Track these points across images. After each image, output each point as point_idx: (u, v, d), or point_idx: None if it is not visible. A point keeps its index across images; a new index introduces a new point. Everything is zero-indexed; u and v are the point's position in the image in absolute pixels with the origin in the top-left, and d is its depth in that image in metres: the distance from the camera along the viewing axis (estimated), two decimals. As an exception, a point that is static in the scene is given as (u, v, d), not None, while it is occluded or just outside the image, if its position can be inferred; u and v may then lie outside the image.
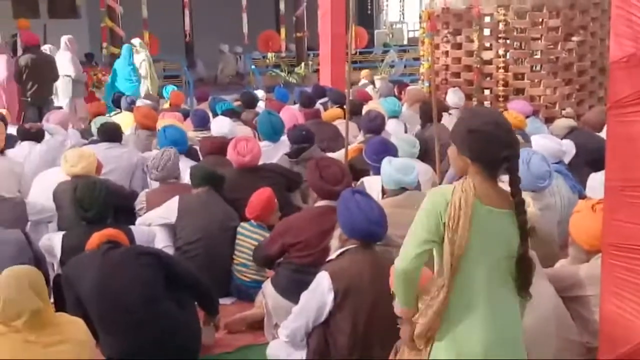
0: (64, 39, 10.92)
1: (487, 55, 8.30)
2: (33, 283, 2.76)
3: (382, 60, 16.51)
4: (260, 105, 9.27)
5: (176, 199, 4.77)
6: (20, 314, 2.69)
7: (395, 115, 7.47)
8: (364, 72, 12.77)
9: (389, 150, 4.93)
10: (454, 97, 7.88)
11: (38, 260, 3.90)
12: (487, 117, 2.49)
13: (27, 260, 3.77)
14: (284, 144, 6.25)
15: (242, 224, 4.71)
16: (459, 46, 8.54)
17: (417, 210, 2.55)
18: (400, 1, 15.06)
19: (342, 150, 5.87)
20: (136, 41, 11.61)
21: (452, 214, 2.35)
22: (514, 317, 2.47)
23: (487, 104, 8.37)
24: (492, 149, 2.39)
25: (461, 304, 2.40)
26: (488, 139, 2.39)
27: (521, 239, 2.43)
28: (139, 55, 11.38)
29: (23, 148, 6.14)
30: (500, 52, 8.16)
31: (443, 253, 2.40)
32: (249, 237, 4.65)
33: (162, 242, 4.63)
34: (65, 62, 10.59)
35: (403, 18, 15.81)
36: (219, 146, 5.68)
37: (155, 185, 5.36)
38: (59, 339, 2.73)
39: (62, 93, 10.59)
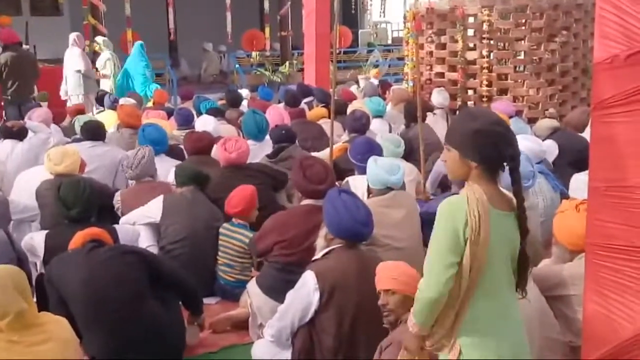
0: (72, 35, 10.96)
1: (471, 55, 8.34)
2: (16, 283, 2.73)
3: (367, 60, 16.53)
4: (244, 104, 9.25)
5: (160, 198, 4.75)
6: (4, 315, 2.66)
7: (379, 114, 7.49)
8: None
9: (374, 149, 4.94)
10: (438, 97, 7.91)
11: (20, 260, 3.88)
12: (489, 116, 2.43)
13: (9, 260, 3.75)
14: (269, 144, 6.24)
15: (224, 224, 4.70)
16: (443, 46, 8.57)
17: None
18: (382, 1, 15.05)
19: (327, 150, 5.87)
20: (99, 39, 11.47)
21: (473, 226, 2.28)
22: (520, 315, 2.50)
23: (470, 104, 8.40)
24: (499, 148, 2.35)
25: (485, 310, 2.36)
26: (496, 139, 2.34)
27: (522, 238, 2.43)
28: (103, 54, 11.22)
29: (5, 146, 6.09)
30: (484, 52, 8.19)
31: (462, 270, 2.31)
32: (231, 237, 4.64)
33: (146, 242, 4.61)
34: (75, 58, 10.63)
35: (384, 16, 15.81)
36: (204, 145, 5.66)
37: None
38: (42, 339, 2.71)
39: (73, 88, 10.56)
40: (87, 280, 3.33)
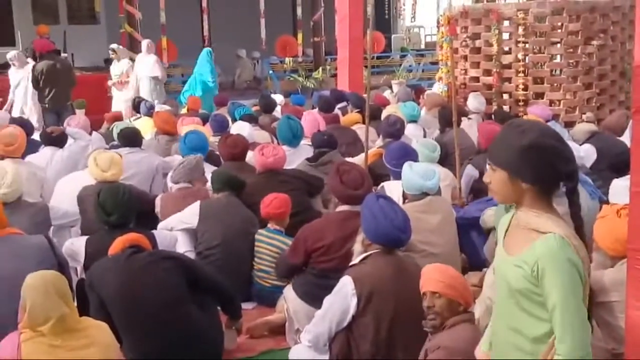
0: (145, 42, 11.24)
1: (506, 59, 8.28)
2: (58, 288, 2.79)
3: (400, 65, 16.50)
4: (278, 110, 9.28)
5: (197, 203, 4.80)
6: (46, 320, 2.71)
7: (414, 119, 7.47)
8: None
9: (410, 154, 4.93)
10: (474, 101, 7.86)
11: (61, 265, 3.92)
12: (539, 128, 2.15)
13: (50, 266, 3.79)
14: (304, 149, 6.27)
15: (260, 230, 4.72)
16: (477, 50, 8.52)
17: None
18: (413, 5, 15.01)
19: (362, 155, 5.88)
20: (115, 46, 11.59)
21: (586, 265, 2.10)
22: None
23: (506, 108, 8.33)
24: (556, 165, 2.10)
25: None
26: (552, 154, 2.09)
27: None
28: (122, 62, 11.23)
29: (45, 153, 6.19)
30: (520, 55, 8.13)
31: None
32: (267, 243, 4.67)
33: (183, 247, 4.66)
34: (151, 64, 10.90)
35: (414, 21, 15.75)
36: (239, 151, 5.68)
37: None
38: (84, 343, 2.75)
39: (148, 94, 10.75)
40: (127, 285, 3.38)
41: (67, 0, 17.75)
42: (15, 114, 9.91)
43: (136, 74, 11.00)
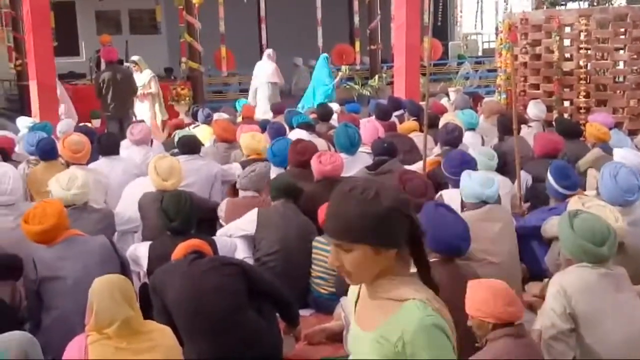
0: (268, 51, 12.26)
1: (567, 66, 8.15)
2: (124, 292, 2.86)
3: (457, 72, 16.36)
4: (334, 118, 9.31)
5: (255, 211, 4.84)
6: (111, 322, 2.78)
7: (472, 127, 7.40)
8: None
9: (468, 163, 4.89)
10: (534, 109, 7.74)
11: (124, 266, 4.03)
12: (385, 187, 1.92)
13: (113, 265, 3.91)
14: (361, 157, 6.27)
15: (317, 238, 4.74)
16: (538, 57, 8.42)
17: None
18: (477, 11, 14.86)
19: (419, 163, 5.84)
20: (136, 58, 11.78)
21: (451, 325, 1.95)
22: None
23: (567, 116, 8.19)
24: (414, 221, 1.93)
25: None
26: (409, 211, 1.92)
27: None
28: (145, 72, 11.39)
29: (102, 162, 6.32)
30: (582, 62, 8.00)
31: None
32: (324, 250, 4.68)
33: (242, 253, 4.71)
34: (270, 71, 11.84)
35: (481, 28, 15.62)
36: (307, 159, 5.67)
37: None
38: (148, 346, 2.81)
39: (265, 99, 11.46)
40: (189, 290, 3.43)
41: (129, 11, 18.21)
42: None
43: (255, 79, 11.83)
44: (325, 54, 12.24)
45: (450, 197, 4.78)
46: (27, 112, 10.77)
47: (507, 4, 12.38)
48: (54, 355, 3.53)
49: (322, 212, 4.69)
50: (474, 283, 3.04)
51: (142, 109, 10.92)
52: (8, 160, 6.10)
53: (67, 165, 5.98)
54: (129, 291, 2.92)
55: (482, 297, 2.95)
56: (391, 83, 13.56)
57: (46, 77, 10.05)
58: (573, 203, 4.21)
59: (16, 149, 7.26)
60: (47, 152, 6.05)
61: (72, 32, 16.43)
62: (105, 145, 6.36)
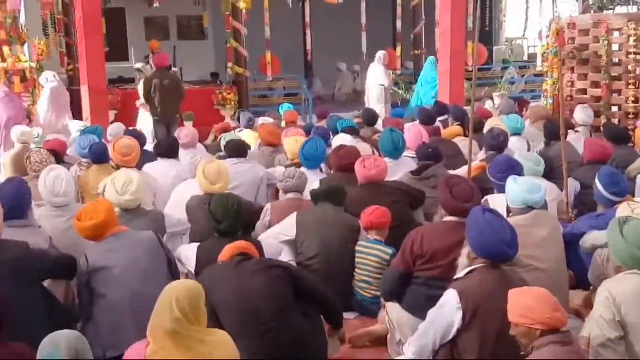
0: (379, 54, 12.65)
1: (615, 70, 8.03)
2: (187, 299, 2.84)
3: (501, 77, 16.20)
4: (379, 123, 9.32)
5: (294, 215, 4.88)
6: (163, 329, 2.79)
7: (517, 132, 7.33)
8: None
9: (515, 168, 4.86)
10: (582, 114, 7.64)
11: (170, 262, 4.12)
12: None
13: (160, 258, 4.03)
14: (405, 161, 6.27)
15: (360, 242, 4.77)
16: (585, 62, 8.31)
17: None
18: (525, 15, 14.69)
19: (464, 168, 5.83)
20: (140, 65, 11.84)
21: None
22: None
23: (615, 121, 8.06)
24: None
25: None
26: None
27: None
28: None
29: (159, 164, 6.48)
30: (630, 67, 7.86)
31: None
32: (368, 254, 4.70)
33: (287, 256, 4.76)
34: (380, 73, 12.25)
35: (525, 31, 15.43)
36: (348, 163, 5.69)
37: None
38: (209, 351, 2.83)
39: (376, 100, 11.84)
40: (236, 292, 3.49)
41: (177, 17, 18.50)
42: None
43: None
44: (433, 57, 12.56)
45: (496, 202, 4.76)
46: (78, 116, 11.04)
47: (555, 8, 12.23)
48: (103, 346, 3.64)
49: (366, 215, 4.72)
50: (515, 291, 3.02)
51: (144, 118, 10.99)
52: (61, 163, 6.27)
53: (117, 168, 6.13)
54: (193, 300, 2.86)
55: (526, 303, 2.93)
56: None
57: (97, 81, 10.28)
58: (622, 210, 4.16)
59: (68, 151, 7.46)
60: (99, 155, 6.21)
61: (122, 37, 16.76)
62: (164, 147, 6.50)
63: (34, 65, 10.95)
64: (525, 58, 20.40)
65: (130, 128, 8.79)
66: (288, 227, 4.85)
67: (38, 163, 5.87)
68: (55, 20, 13.96)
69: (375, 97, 12.01)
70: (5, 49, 11.18)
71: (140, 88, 10.97)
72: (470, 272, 3.31)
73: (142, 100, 10.76)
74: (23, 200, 4.37)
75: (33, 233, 4.32)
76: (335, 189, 4.99)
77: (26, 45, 12.16)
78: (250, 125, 8.97)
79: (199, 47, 17.75)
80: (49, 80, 10.27)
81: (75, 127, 8.70)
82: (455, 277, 3.37)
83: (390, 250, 4.59)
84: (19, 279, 3.63)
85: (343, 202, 4.96)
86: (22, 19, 12.53)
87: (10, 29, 11.59)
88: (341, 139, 7.23)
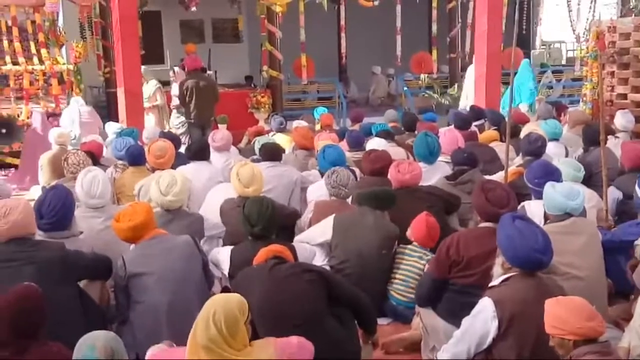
0: None
1: (657, 75, 7.87)
2: (225, 316, 2.80)
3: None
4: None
5: (331, 218, 4.86)
6: (201, 343, 2.77)
7: (555, 137, 7.21)
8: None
9: (553, 174, 4.77)
10: (622, 119, 7.49)
11: (205, 265, 4.13)
12: None
13: (196, 262, 4.02)
14: (440, 166, 6.22)
15: (403, 246, 4.73)
16: (626, 66, 8.16)
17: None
18: (569, 18, 14.43)
19: (500, 173, 5.75)
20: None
21: None
22: None
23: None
24: None
25: None
26: None
27: None
28: (150, 83, 11.47)
29: (192, 166, 6.51)
30: (673, 72, 7.70)
31: None
32: (409, 255, 4.69)
33: (319, 260, 4.74)
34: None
35: (573, 33, 15.22)
36: (380, 167, 5.70)
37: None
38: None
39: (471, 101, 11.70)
40: (270, 295, 3.48)
41: (212, 20, 18.64)
42: None
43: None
44: (527, 59, 12.43)
45: (532, 208, 4.69)
46: (114, 118, 11.18)
47: (594, 11, 12.03)
48: (139, 350, 3.66)
49: (417, 224, 4.67)
50: (550, 301, 2.96)
51: (148, 122, 11.04)
52: (97, 165, 6.34)
53: (153, 170, 6.18)
54: (231, 317, 2.80)
55: (557, 314, 2.87)
56: (471, 92, 13.39)
57: (133, 84, 10.38)
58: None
59: (104, 153, 7.55)
60: (135, 157, 6.28)
61: (157, 40, 16.93)
62: (196, 150, 6.54)
63: (71, 67, 11.11)
64: (564, 62, 20.15)
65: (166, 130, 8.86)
66: (325, 229, 4.84)
67: (75, 165, 5.94)
68: (92, 23, 14.17)
69: (471, 98, 11.81)
70: (43, 51, 11.37)
71: (175, 90, 11.08)
72: (506, 279, 3.26)
73: (147, 104, 10.87)
74: (68, 212, 4.31)
75: (75, 244, 4.21)
76: (380, 193, 4.92)
77: (64, 48, 12.35)
78: (281, 129, 8.98)
79: (233, 50, 17.85)
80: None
81: (111, 129, 8.80)
82: (490, 285, 3.32)
83: (430, 255, 4.57)
84: (55, 279, 3.67)
85: (388, 207, 4.88)
86: (60, 22, 12.75)
87: (48, 31, 11.79)
88: (376, 143, 7.19)
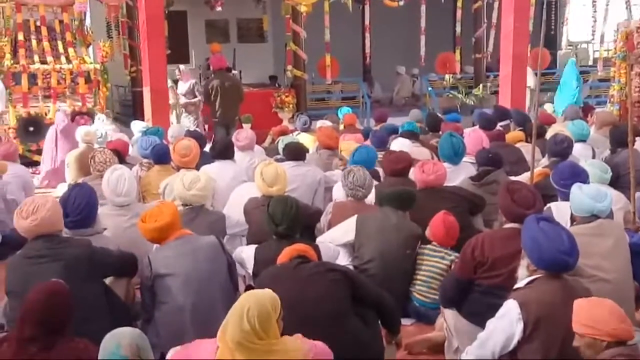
0: None
1: (687, 75, 7.75)
2: (257, 314, 2.82)
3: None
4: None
5: (354, 218, 4.85)
6: (232, 339, 2.78)
7: (582, 139, 7.14)
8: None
9: (580, 175, 4.73)
10: (650, 120, 7.40)
11: (230, 265, 4.14)
12: None
13: (221, 263, 4.03)
14: (465, 166, 6.19)
15: (423, 246, 4.71)
16: (654, 67, 8.04)
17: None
18: (592, 18, 14.28)
19: (526, 174, 5.70)
20: (182, 66, 11.89)
21: None
22: None
23: (685, 128, 7.76)
24: None
25: None
26: None
27: None
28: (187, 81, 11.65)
29: (216, 165, 6.55)
30: (703, 72, 7.57)
31: None
32: (431, 256, 4.67)
33: (343, 260, 4.74)
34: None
35: (594, 35, 15.04)
36: (401, 168, 5.69)
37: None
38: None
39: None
40: (294, 294, 3.46)
41: (237, 20, 18.71)
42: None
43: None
44: (574, 59, 12.68)
45: (559, 209, 4.65)
46: (139, 117, 11.27)
47: (625, 12, 11.93)
48: (163, 349, 3.68)
49: (435, 223, 4.66)
50: (581, 301, 2.94)
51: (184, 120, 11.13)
52: (123, 163, 6.40)
53: (178, 169, 6.23)
54: (264, 313, 2.83)
55: (593, 314, 2.85)
56: (496, 92, 13.30)
57: (159, 83, 10.48)
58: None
59: (130, 151, 7.62)
60: (160, 156, 6.33)
61: (183, 40, 17.03)
62: (220, 149, 6.57)
63: (98, 66, 11.23)
64: (590, 62, 19.93)
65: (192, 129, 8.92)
66: (347, 230, 4.83)
67: (102, 163, 6.00)
68: (119, 22, 14.30)
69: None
70: (71, 50, 11.51)
71: (181, 89, 11.18)
72: (531, 281, 3.23)
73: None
74: (92, 210, 4.39)
75: (101, 241, 4.30)
76: (402, 193, 4.91)
77: (91, 47, 12.49)
78: (305, 128, 9.00)
79: (258, 50, 17.90)
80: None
81: (137, 127, 8.87)
82: (515, 287, 3.29)
83: (452, 255, 4.55)
84: (81, 276, 3.71)
85: (409, 207, 4.87)
86: (88, 22, 12.88)
87: (76, 31, 11.92)
88: (400, 143, 7.17)
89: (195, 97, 12.00)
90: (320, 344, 3.03)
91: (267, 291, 2.99)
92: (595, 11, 12.77)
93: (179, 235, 4.05)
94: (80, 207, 4.26)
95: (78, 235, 4.17)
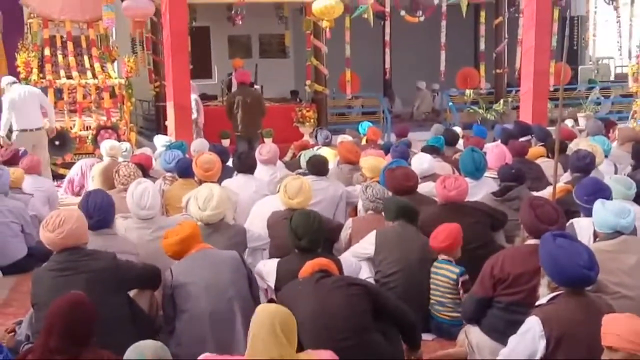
0: None
1: None
2: (284, 325, 2.86)
3: (586, 97, 15.79)
4: (460, 143, 9.20)
5: (374, 233, 4.87)
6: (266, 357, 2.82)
7: (604, 154, 7.10)
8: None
9: (603, 191, 4.70)
10: (674, 136, 7.34)
11: (250, 279, 4.16)
12: None
13: (242, 277, 4.05)
14: (486, 182, 6.17)
15: (436, 262, 4.70)
16: (678, 82, 7.99)
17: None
18: (617, 33, 14.24)
19: (547, 190, 5.68)
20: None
21: None
22: None
23: None
24: None
25: None
26: None
27: None
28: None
29: (238, 179, 6.60)
30: None
31: None
32: (438, 274, 4.65)
33: (365, 274, 4.75)
34: None
35: (620, 54, 14.98)
36: (410, 186, 5.63)
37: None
38: None
39: None
40: (315, 308, 3.50)
41: (259, 36, 18.86)
42: None
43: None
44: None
45: (581, 226, 4.63)
46: (163, 131, 11.38)
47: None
48: (184, 357, 3.71)
49: (431, 239, 4.65)
50: (619, 315, 2.90)
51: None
52: (146, 176, 6.48)
53: (200, 182, 6.28)
54: (290, 325, 2.90)
55: (635, 329, 2.81)
56: (516, 108, 13.27)
57: (182, 98, 10.59)
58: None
59: (153, 165, 7.70)
60: (184, 170, 6.40)
61: (206, 55, 17.18)
62: (243, 163, 6.62)
63: (122, 81, 11.37)
64: (612, 78, 19.81)
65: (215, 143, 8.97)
66: (366, 246, 4.84)
67: (126, 176, 6.08)
68: (144, 38, 14.47)
69: None
70: (96, 65, 11.67)
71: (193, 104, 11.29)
72: (553, 298, 3.21)
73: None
74: (110, 211, 4.60)
75: (122, 241, 4.59)
76: (410, 206, 4.94)
77: (116, 62, 12.66)
78: (327, 143, 9.04)
79: (279, 65, 18.01)
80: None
81: (160, 142, 8.96)
82: (537, 303, 3.28)
83: (457, 270, 4.54)
84: (106, 288, 3.76)
85: (417, 220, 4.92)
86: (113, 37, 13.07)
87: (101, 46, 12.10)
88: (420, 158, 7.16)
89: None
90: (328, 353, 3.05)
91: (281, 306, 3.04)
92: (620, 27, 12.71)
93: (200, 248, 4.10)
94: (102, 207, 4.50)
95: (103, 235, 4.40)
